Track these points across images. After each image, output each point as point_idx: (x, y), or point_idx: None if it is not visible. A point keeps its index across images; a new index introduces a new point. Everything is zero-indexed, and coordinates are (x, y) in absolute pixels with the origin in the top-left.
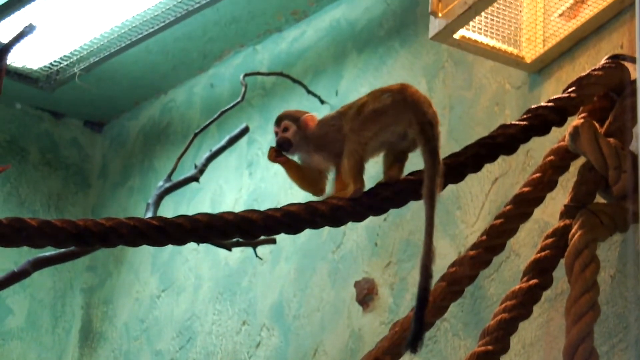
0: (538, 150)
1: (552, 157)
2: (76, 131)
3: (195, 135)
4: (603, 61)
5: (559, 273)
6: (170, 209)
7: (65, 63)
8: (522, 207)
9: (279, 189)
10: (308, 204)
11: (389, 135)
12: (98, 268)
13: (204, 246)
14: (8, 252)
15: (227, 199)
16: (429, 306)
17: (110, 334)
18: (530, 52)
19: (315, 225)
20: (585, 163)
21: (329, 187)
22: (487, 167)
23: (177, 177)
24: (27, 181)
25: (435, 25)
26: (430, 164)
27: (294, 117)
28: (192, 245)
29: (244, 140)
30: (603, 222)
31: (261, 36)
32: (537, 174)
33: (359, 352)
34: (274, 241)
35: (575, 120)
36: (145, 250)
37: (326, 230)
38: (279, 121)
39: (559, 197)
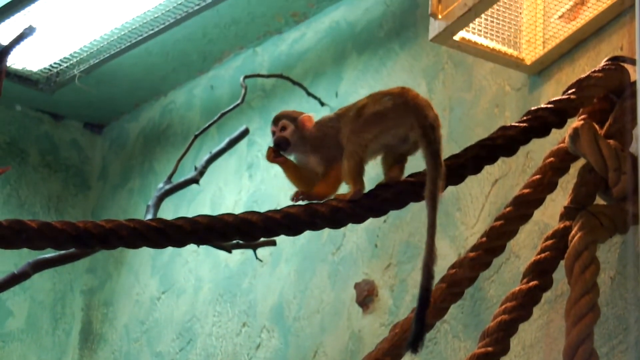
0: (538, 152)
1: (552, 159)
2: (76, 133)
3: (195, 137)
4: (603, 63)
5: (559, 275)
6: (170, 211)
7: (65, 65)
8: (522, 208)
9: (279, 191)
10: (308, 206)
11: (390, 137)
12: (98, 270)
13: (204, 248)
14: (8, 254)
15: (227, 201)
16: (429, 307)
17: (111, 336)
18: (530, 53)
19: (315, 227)
20: (585, 165)
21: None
22: (487, 169)
23: (177, 179)
24: (27, 183)
25: (435, 27)
26: (432, 167)
27: (292, 117)
28: (192, 247)
29: (244, 142)
30: (603, 224)
31: (261, 38)
32: (537, 176)
33: (359, 353)
34: (274, 243)
35: (575, 122)
36: (145, 252)
37: (326, 232)
38: (276, 121)
39: (558, 199)
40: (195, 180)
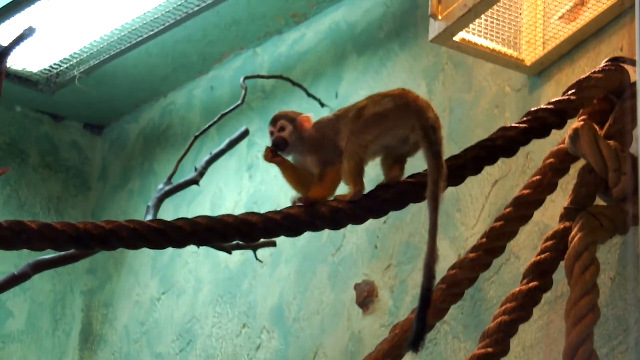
0: (538, 152)
1: (551, 160)
2: (76, 134)
3: (195, 138)
4: (603, 64)
5: (559, 275)
6: (170, 212)
7: (65, 66)
8: (522, 209)
9: (279, 192)
10: (308, 207)
11: (391, 138)
12: (98, 271)
13: (203, 249)
14: (8, 255)
15: (227, 202)
16: (430, 307)
17: (111, 337)
18: (530, 54)
19: (315, 228)
20: (585, 165)
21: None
22: (487, 170)
23: (177, 180)
24: (27, 184)
25: (435, 27)
26: (434, 167)
27: (290, 117)
28: (192, 247)
29: (244, 143)
30: (603, 225)
31: (261, 39)
32: (537, 177)
33: (359, 354)
34: (274, 244)
35: (575, 123)
36: (145, 252)
37: (326, 232)
38: (274, 121)
39: (558, 200)
40: (195, 181)
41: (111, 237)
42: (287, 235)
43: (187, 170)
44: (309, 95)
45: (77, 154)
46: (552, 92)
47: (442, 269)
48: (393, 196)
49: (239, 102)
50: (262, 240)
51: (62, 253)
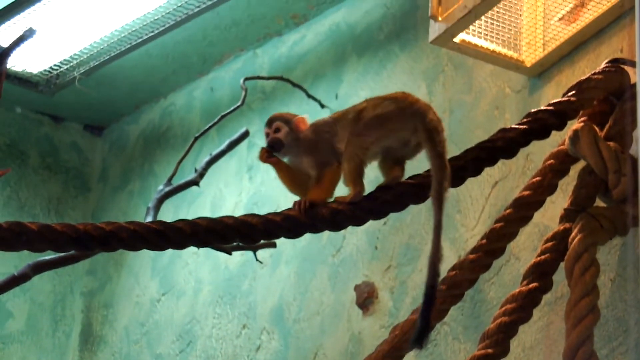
0: (538, 154)
1: (552, 161)
2: (76, 135)
3: (196, 139)
4: (603, 65)
5: (559, 276)
6: (170, 213)
7: (65, 67)
8: (522, 210)
9: (279, 193)
10: (308, 208)
11: (392, 141)
12: (98, 272)
13: (204, 250)
14: (8, 256)
15: (227, 203)
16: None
17: (111, 338)
18: (530, 56)
19: (315, 229)
20: (585, 167)
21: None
22: (487, 171)
23: (177, 181)
24: (27, 185)
25: (435, 29)
26: (438, 168)
27: (286, 119)
28: (192, 249)
29: (244, 144)
30: (603, 226)
31: (261, 40)
32: (537, 178)
33: (359, 355)
34: (274, 245)
35: (575, 124)
36: (145, 254)
37: (326, 234)
38: (270, 122)
39: (558, 201)
40: (195, 182)
41: (111, 239)
42: (287, 236)
43: (187, 171)
44: (309, 96)
45: (77, 155)
46: (552, 94)
47: (442, 270)
48: (393, 197)
49: (239, 103)
50: (262, 241)
51: (62, 254)
